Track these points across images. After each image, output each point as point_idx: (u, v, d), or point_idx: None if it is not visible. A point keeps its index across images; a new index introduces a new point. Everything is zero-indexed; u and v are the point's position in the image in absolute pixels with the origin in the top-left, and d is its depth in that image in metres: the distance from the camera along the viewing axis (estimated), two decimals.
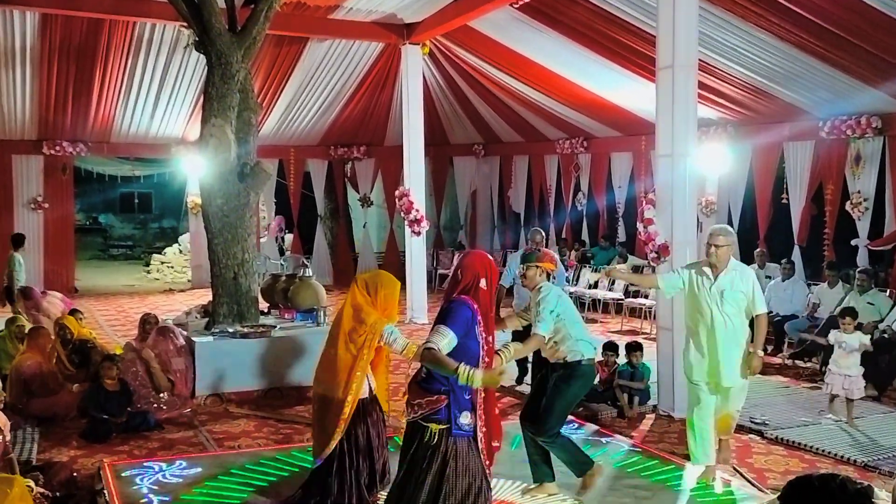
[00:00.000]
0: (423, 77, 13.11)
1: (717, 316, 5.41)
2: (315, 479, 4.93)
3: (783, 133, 11.11)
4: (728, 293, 5.38)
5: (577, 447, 5.22)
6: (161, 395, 7.45)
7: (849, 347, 7.09)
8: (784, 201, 11.36)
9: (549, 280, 5.14)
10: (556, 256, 6.26)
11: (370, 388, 4.98)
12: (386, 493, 4.03)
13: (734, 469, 5.94)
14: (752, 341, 5.57)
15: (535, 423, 5.08)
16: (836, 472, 2.15)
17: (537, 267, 5.10)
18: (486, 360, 3.85)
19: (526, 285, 5.19)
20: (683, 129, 7.16)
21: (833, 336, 7.35)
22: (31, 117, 14.02)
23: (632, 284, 6.19)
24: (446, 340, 3.66)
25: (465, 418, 3.75)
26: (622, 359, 7.85)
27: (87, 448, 6.47)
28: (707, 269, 5.49)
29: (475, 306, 3.78)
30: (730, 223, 12.45)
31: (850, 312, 7.44)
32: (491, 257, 4.08)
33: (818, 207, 11.27)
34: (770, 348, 9.76)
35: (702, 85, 8.56)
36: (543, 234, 8.03)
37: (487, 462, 3.95)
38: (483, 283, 3.84)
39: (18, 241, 11.66)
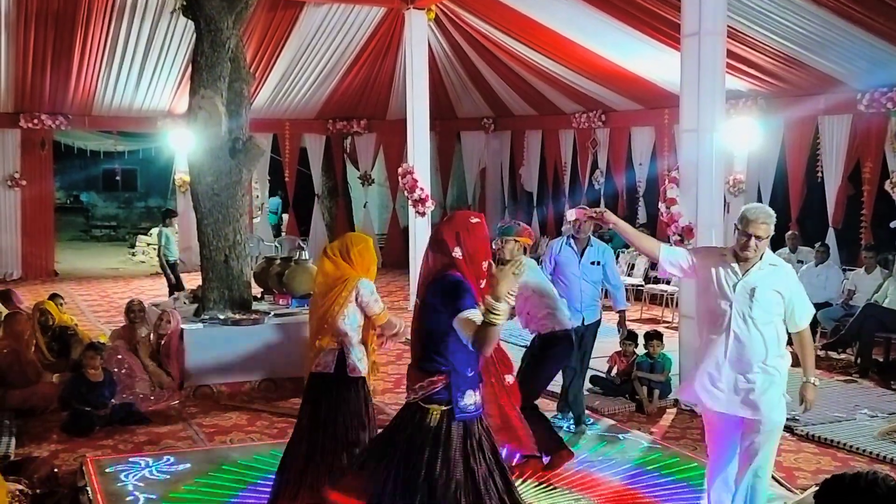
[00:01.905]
0: (429, 45, 13.04)
1: (738, 322, 4.35)
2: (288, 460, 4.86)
3: (818, 106, 11.04)
4: (760, 293, 4.33)
5: (550, 426, 5.91)
6: (161, 389, 7.53)
7: None
8: (818, 180, 11.31)
9: (525, 254, 5.75)
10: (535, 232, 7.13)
11: (343, 361, 4.73)
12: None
13: None
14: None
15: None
16: (871, 470, 2.17)
17: (516, 241, 5.65)
18: None
19: (503, 258, 5.56)
20: (710, 102, 7.12)
21: None
22: (7, 88, 14.02)
23: (627, 242, 5.63)
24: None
25: (468, 398, 3.71)
26: (641, 349, 7.85)
27: (69, 442, 6.51)
28: (733, 261, 4.41)
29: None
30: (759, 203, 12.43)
31: None
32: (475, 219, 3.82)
33: (855, 187, 11.22)
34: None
35: (730, 54, 8.49)
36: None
37: (502, 441, 3.97)
38: (457, 251, 3.69)
39: (165, 215, 12.71)
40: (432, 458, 3.63)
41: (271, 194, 18.44)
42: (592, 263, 6.71)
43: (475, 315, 3.52)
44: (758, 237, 4.30)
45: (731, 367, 4.37)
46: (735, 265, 4.39)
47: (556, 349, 5.77)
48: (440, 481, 3.62)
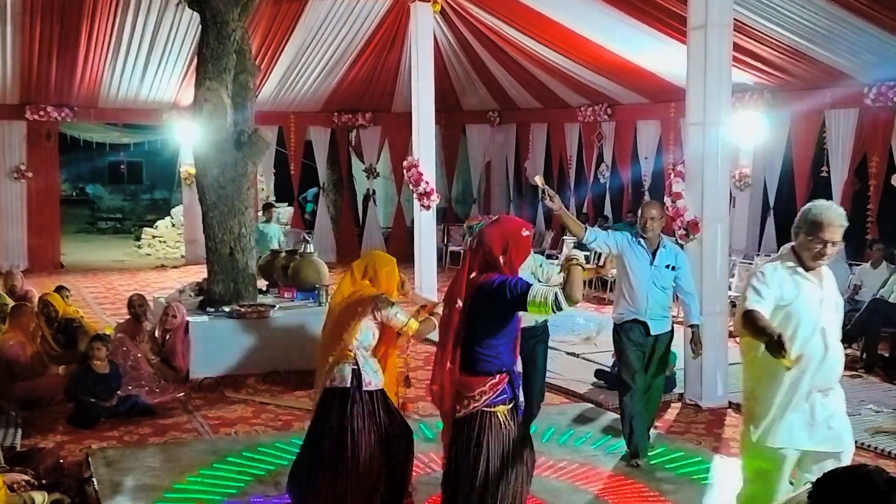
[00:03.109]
0: (435, 37, 13.01)
1: (831, 343, 3.72)
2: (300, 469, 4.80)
3: (824, 100, 11.01)
4: (835, 304, 3.84)
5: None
6: (156, 375, 7.56)
7: None
8: (824, 174, 11.28)
9: None
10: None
11: (358, 376, 4.66)
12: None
13: None
14: None
15: None
16: (871, 465, 2.18)
17: None
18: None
19: None
20: (716, 96, 7.11)
21: None
22: (13, 80, 14.04)
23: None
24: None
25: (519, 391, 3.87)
26: None
27: (75, 434, 6.54)
28: (803, 271, 3.79)
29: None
30: (765, 198, 12.43)
31: None
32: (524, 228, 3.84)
33: (861, 181, 11.19)
34: None
35: (737, 47, 8.47)
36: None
37: None
38: (501, 259, 3.72)
39: (265, 208, 12.50)
40: (514, 459, 3.71)
41: (308, 186, 18.39)
42: (667, 267, 5.79)
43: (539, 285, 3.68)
44: (834, 243, 3.74)
45: (818, 392, 3.74)
46: (811, 277, 3.79)
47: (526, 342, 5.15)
48: (524, 475, 3.76)
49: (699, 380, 7.31)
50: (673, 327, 5.95)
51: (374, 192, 17.33)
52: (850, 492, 2.11)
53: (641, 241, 5.79)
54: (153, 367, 7.66)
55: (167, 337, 7.92)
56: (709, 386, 7.22)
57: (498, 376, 3.71)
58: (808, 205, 3.92)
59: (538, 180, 5.46)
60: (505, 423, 3.72)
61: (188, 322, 7.94)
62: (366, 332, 4.67)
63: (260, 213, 12.12)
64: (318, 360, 4.87)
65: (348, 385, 4.64)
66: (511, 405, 3.75)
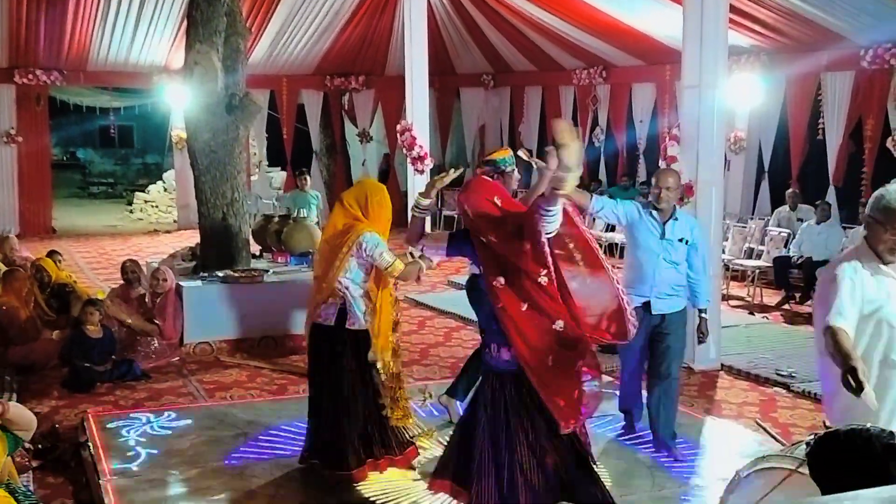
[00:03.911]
0: None
1: None
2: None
3: (820, 62, 10.96)
4: None
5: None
6: (150, 339, 7.54)
7: None
8: (819, 137, 11.26)
9: None
10: None
11: (343, 314, 4.72)
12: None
13: (757, 423, 6.02)
14: None
15: None
16: (865, 426, 2.18)
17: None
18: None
19: None
20: (712, 58, 7.06)
21: None
22: (1, 43, 13.89)
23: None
24: None
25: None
26: None
27: (70, 398, 6.57)
28: (884, 268, 3.38)
29: None
30: (760, 161, 12.42)
31: None
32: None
33: (857, 144, 11.18)
34: (798, 296, 9.80)
35: (733, 8, 8.40)
36: None
37: None
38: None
39: (299, 175, 11.28)
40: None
41: (301, 150, 18.24)
42: (680, 241, 5.25)
43: None
44: None
45: None
46: (892, 273, 3.39)
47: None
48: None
49: (692, 343, 7.32)
50: (685, 308, 5.42)
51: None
52: (847, 453, 2.12)
53: (653, 212, 5.26)
54: (133, 326, 7.62)
55: (157, 301, 7.91)
56: (701, 349, 7.25)
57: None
58: (881, 191, 3.44)
59: (522, 154, 5.13)
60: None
61: (182, 287, 7.93)
62: (356, 271, 4.68)
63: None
64: (310, 296, 4.88)
65: (333, 323, 4.68)
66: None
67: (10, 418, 3.73)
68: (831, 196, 10.96)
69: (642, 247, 5.27)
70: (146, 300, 7.94)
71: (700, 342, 5.75)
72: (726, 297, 9.58)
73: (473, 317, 8.60)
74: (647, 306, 5.21)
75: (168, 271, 8.06)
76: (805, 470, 2.36)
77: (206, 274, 8.25)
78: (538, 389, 3.73)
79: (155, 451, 5.37)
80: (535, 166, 5.16)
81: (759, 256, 10.71)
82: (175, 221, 17.09)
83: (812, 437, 2.28)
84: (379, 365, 4.75)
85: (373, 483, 4.80)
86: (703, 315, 5.48)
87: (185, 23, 9.68)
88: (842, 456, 2.13)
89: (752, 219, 11.66)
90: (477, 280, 4.62)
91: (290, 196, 11.40)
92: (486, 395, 3.91)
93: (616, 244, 12.82)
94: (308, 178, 11.06)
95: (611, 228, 12.22)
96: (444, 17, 15.01)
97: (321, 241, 4.97)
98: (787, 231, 10.58)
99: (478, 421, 3.92)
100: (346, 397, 4.73)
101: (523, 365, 3.73)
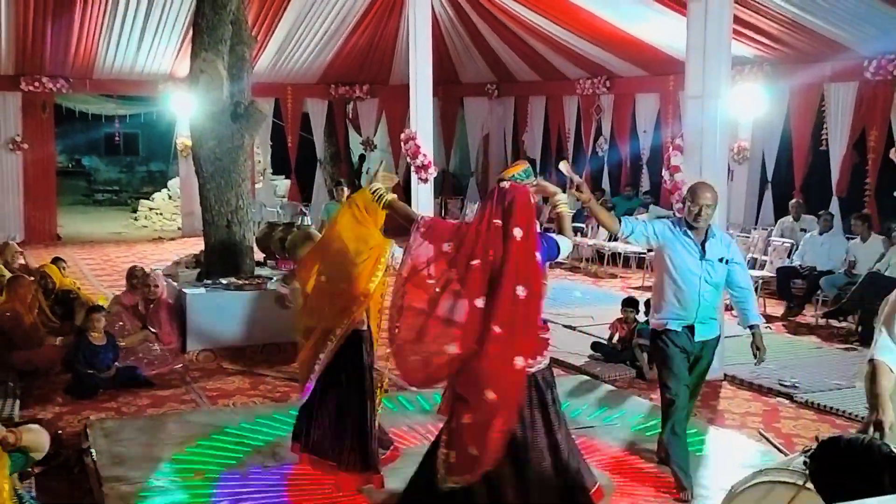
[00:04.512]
0: (432, 8, 12.91)
1: None
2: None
3: (824, 73, 10.97)
4: None
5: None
6: (150, 345, 7.55)
7: None
8: (823, 148, 11.26)
9: None
10: None
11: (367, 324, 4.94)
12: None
13: (760, 434, 6.00)
14: None
15: None
16: (866, 436, 2.19)
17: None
18: None
19: None
20: (716, 68, 7.07)
21: None
22: (8, 51, 13.94)
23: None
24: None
25: None
26: (642, 316, 7.86)
27: (73, 405, 6.57)
28: None
29: None
30: (763, 171, 12.42)
31: None
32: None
33: (860, 155, 11.18)
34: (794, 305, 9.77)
35: (737, 19, 8.42)
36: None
37: None
38: (517, 232, 3.78)
39: (336, 185, 11.03)
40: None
41: (306, 158, 18.34)
42: (720, 261, 4.92)
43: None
44: None
45: None
46: None
47: None
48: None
49: None
50: (721, 330, 5.17)
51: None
52: (847, 461, 2.13)
53: (689, 230, 4.89)
54: (148, 340, 7.64)
55: (150, 307, 7.90)
56: None
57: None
58: None
59: (563, 167, 4.80)
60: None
61: (185, 294, 7.93)
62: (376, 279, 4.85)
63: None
64: (341, 305, 4.82)
65: (365, 328, 4.88)
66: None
67: (26, 445, 3.77)
68: (834, 206, 10.95)
69: (680, 269, 4.87)
70: (139, 307, 7.94)
71: (757, 358, 5.03)
72: (729, 307, 9.54)
73: None
74: (690, 330, 4.90)
75: (160, 278, 8.07)
76: (811, 486, 2.35)
77: (209, 281, 8.26)
78: None
79: (157, 459, 5.36)
80: (573, 183, 4.81)
81: (762, 267, 10.69)
82: (179, 229, 17.11)
83: (808, 449, 2.28)
84: (380, 364, 4.94)
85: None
86: (755, 331, 5.00)
87: (190, 31, 9.72)
88: (843, 462, 2.14)
89: (755, 229, 11.65)
90: None
91: (326, 207, 11.28)
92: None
93: (619, 253, 12.82)
94: (345, 189, 10.55)
95: (612, 238, 12.20)
96: (448, 26, 15.05)
97: (335, 247, 4.93)
98: (791, 241, 10.56)
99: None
100: (369, 397, 4.83)
101: None
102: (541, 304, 3.94)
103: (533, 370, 3.96)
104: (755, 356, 5.01)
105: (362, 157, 18.27)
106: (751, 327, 5.01)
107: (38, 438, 3.87)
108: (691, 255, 4.87)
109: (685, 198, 5.02)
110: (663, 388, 5.01)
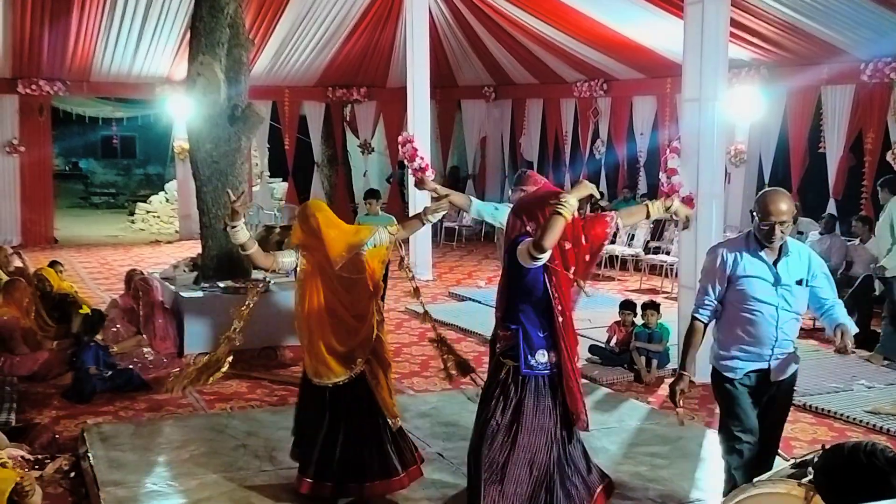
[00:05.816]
0: (430, 11, 12.92)
1: None
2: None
3: (821, 76, 10.98)
4: None
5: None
6: (143, 350, 7.54)
7: None
8: (820, 150, 11.27)
9: None
10: None
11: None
12: None
13: None
14: None
15: None
16: (868, 441, 2.18)
17: None
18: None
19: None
20: (713, 71, 7.07)
21: None
22: (5, 54, 13.92)
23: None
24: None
25: (541, 356, 4.11)
26: (640, 319, 7.86)
27: (70, 409, 6.55)
28: None
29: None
30: (760, 174, 12.43)
31: None
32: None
33: (857, 157, 11.19)
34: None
35: (733, 22, 8.43)
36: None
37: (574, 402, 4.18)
38: (531, 227, 4.19)
39: (367, 196, 9.50)
40: (496, 406, 4.10)
41: (303, 161, 18.29)
42: (798, 283, 4.04)
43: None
44: None
45: None
46: None
47: None
48: (494, 426, 4.06)
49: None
50: (797, 366, 4.23)
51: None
52: (852, 467, 2.12)
53: (760, 251, 4.03)
54: (140, 344, 7.63)
55: (143, 312, 7.88)
56: (703, 362, 7.21)
57: (510, 333, 4.17)
58: None
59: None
60: (506, 378, 4.15)
61: (182, 298, 7.91)
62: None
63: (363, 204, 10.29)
64: (357, 310, 4.94)
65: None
66: (514, 365, 4.12)
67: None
68: (831, 208, 10.96)
69: (751, 298, 4.01)
70: (136, 309, 7.93)
71: (845, 352, 3.97)
72: None
73: (473, 329, 8.60)
74: (763, 374, 4.10)
75: (153, 279, 8.06)
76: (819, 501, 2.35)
77: (207, 284, 8.25)
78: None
79: (154, 463, 5.35)
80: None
81: None
82: (177, 232, 17.08)
83: (793, 460, 2.28)
84: None
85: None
86: (843, 328, 3.97)
87: (187, 34, 9.72)
88: (846, 468, 2.14)
89: None
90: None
91: (358, 220, 10.57)
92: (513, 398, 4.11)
93: (616, 256, 12.81)
94: (376, 201, 9.54)
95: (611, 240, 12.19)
96: (445, 29, 15.05)
97: (340, 261, 4.96)
98: None
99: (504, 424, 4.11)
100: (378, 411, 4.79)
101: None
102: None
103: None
104: (843, 350, 3.92)
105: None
106: (839, 325, 4.00)
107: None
108: (764, 280, 4.02)
109: (753, 210, 4.21)
110: (728, 422, 4.15)
